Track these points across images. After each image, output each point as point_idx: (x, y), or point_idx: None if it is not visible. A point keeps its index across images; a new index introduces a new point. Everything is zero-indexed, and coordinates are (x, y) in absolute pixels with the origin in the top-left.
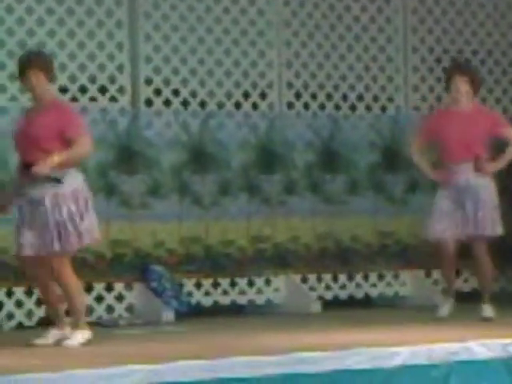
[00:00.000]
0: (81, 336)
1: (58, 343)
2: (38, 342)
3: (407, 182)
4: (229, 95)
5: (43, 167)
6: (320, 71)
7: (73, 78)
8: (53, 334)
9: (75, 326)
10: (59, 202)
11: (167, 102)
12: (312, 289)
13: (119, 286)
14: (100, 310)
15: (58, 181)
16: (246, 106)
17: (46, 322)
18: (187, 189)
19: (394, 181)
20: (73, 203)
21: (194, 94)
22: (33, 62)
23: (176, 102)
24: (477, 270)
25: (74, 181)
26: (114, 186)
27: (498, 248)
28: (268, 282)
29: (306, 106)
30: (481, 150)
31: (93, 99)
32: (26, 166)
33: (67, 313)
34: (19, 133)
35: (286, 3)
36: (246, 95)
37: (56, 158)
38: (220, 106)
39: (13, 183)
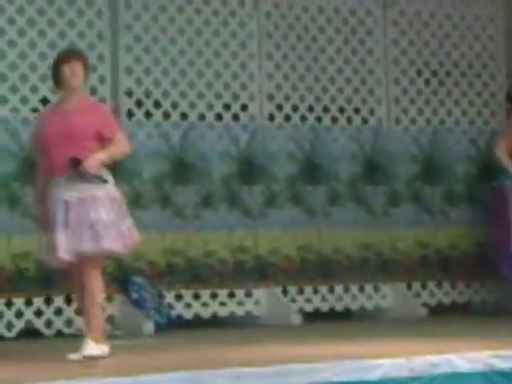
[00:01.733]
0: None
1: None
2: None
3: (388, 193)
4: (210, 107)
5: (93, 164)
6: (301, 83)
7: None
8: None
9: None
10: (97, 203)
11: (148, 114)
12: (293, 301)
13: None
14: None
15: (103, 180)
16: (227, 117)
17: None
18: (168, 200)
19: (375, 193)
20: (110, 205)
21: (175, 106)
22: (81, 57)
23: (157, 114)
24: None
25: (110, 182)
26: None
27: (477, 259)
28: (249, 294)
29: (288, 117)
30: None
31: None
32: (74, 163)
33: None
34: (54, 130)
35: (268, 15)
36: (227, 107)
37: (102, 156)
38: (201, 117)
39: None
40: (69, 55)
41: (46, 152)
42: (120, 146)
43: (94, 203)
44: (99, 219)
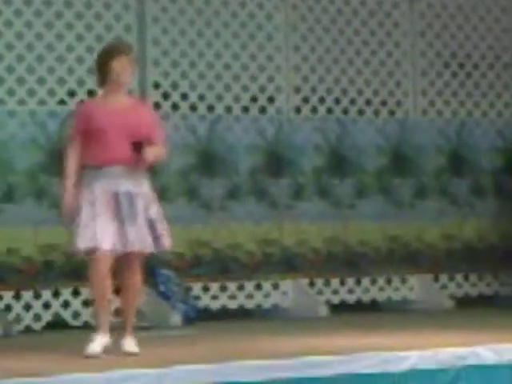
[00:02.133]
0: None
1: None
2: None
3: (415, 186)
4: (237, 99)
5: (151, 155)
6: (328, 75)
7: (81, 82)
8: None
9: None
10: (148, 200)
11: (175, 106)
12: (319, 293)
13: None
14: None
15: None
16: (254, 110)
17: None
18: (195, 192)
19: (402, 185)
20: (155, 203)
21: (202, 98)
22: (131, 51)
23: (184, 106)
24: None
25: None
26: None
27: (504, 251)
28: (275, 286)
29: (314, 110)
30: None
31: None
32: (137, 147)
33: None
34: (113, 124)
35: (295, 7)
36: (254, 99)
37: (155, 153)
38: (228, 110)
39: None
40: (119, 49)
41: (100, 144)
42: (163, 151)
43: (145, 199)
44: (156, 217)
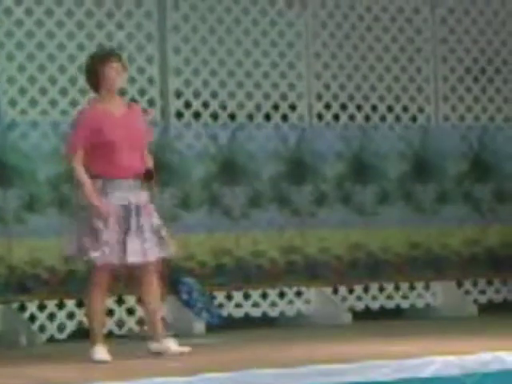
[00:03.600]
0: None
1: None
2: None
3: (437, 191)
4: (258, 107)
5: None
6: (349, 82)
7: None
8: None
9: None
10: (150, 209)
11: (197, 115)
12: (343, 300)
13: None
14: (131, 323)
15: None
16: (276, 117)
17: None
18: (217, 200)
19: (424, 191)
20: (154, 212)
21: (223, 106)
22: (121, 57)
23: (206, 114)
24: None
25: None
26: None
27: (498, 257)
28: (299, 294)
29: (336, 117)
30: None
31: None
32: (149, 175)
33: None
34: (117, 135)
35: (315, 15)
36: (276, 107)
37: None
38: (250, 117)
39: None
40: (110, 56)
41: (108, 156)
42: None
43: (148, 209)
44: (159, 225)
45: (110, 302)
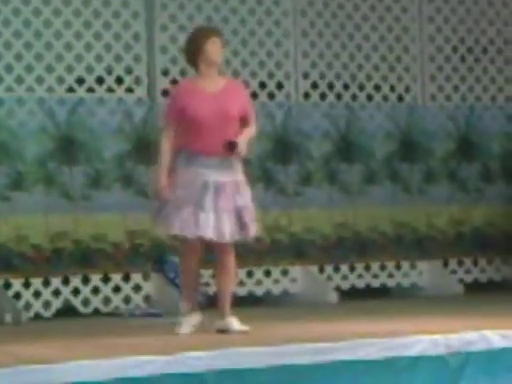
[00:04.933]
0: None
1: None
2: (183, 331)
3: (424, 171)
4: (245, 85)
5: (244, 148)
6: (336, 61)
7: (89, 69)
8: (196, 320)
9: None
10: (240, 188)
11: None
12: (329, 279)
13: (137, 277)
14: (117, 300)
15: (248, 162)
16: (263, 96)
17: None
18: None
19: (411, 170)
20: (247, 191)
21: None
22: (221, 33)
23: None
24: None
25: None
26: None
27: (501, 237)
28: (285, 273)
29: (323, 96)
30: None
31: (110, 90)
32: (231, 147)
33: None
34: (207, 112)
35: None
36: (263, 85)
37: (246, 139)
38: None
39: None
40: (211, 31)
41: (195, 132)
42: (253, 130)
43: (238, 188)
44: (245, 205)
45: (117, 279)
